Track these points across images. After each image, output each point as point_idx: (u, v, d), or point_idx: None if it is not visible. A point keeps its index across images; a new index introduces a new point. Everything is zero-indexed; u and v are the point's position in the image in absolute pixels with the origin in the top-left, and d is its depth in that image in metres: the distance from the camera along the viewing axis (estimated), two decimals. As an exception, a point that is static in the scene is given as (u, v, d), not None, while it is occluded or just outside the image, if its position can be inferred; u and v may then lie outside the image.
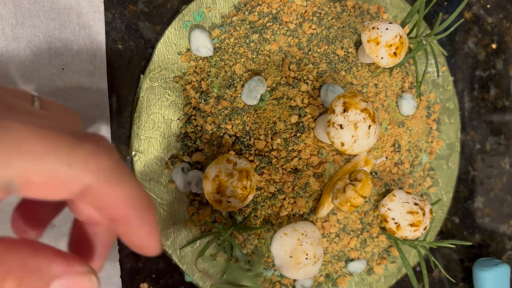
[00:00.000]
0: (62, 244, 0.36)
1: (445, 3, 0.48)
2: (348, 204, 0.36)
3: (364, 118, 0.33)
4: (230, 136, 0.38)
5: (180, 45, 0.39)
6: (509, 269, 0.47)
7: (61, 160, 0.19)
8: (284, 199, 0.39)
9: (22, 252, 0.19)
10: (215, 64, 0.39)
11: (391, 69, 0.42)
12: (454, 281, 0.49)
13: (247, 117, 0.38)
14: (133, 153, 0.38)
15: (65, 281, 0.21)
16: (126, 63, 0.38)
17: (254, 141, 0.38)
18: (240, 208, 0.38)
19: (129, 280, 0.38)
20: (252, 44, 0.39)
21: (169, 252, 0.39)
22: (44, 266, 0.20)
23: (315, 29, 0.40)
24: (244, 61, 0.39)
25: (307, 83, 0.40)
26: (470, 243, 0.38)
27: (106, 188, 0.21)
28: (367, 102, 0.34)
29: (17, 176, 0.19)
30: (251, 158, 0.38)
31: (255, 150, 0.38)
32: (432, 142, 0.46)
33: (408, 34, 0.40)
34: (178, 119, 0.39)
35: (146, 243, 0.23)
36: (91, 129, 0.37)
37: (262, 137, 0.38)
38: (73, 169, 0.20)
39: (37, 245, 0.21)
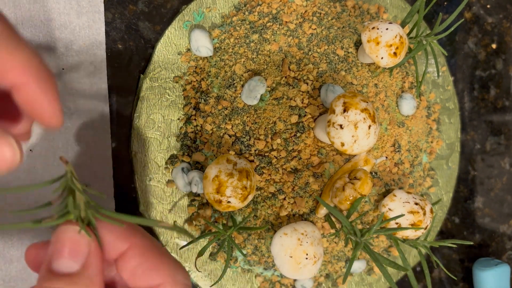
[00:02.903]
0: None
1: (445, 3, 0.48)
2: (348, 202, 0.36)
3: (364, 118, 0.33)
4: (230, 136, 0.38)
5: (180, 45, 0.39)
6: (509, 269, 0.47)
7: None
8: (284, 199, 0.39)
9: None
10: (215, 64, 0.39)
11: (391, 69, 0.42)
12: (455, 278, 0.49)
13: (247, 117, 0.38)
14: (133, 153, 0.38)
15: None
16: (126, 63, 0.38)
17: (254, 141, 0.38)
18: (240, 208, 0.38)
19: (129, 280, 0.38)
20: (252, 44, 0.39)
21: (169, 252, 0.39)
22: None
23: (315, 29, 0.40)
24: (244, 61, 0.39)
25: (307, 83, 0.40)
26: (471, 243, 0.38)
27: (3, 49, 0.20)
28: (367, 102, 0.34)
29: None
30: (251, 158, 0.38)
31: (255, 150, 0.38)
32: (432, 142, 0.46)
33: (408, 34, 0.40)
34: (178, 119, 0.39)
35: (47, 112, 0.22)
36: (91, 129, 0.37)
37: (262, 137, 0.38)
38: None
39: None
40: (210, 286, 0.40)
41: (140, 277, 0.23)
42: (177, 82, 0.39)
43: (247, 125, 0.38)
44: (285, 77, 0.39)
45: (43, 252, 0.23)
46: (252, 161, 0.38)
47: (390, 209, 0.39)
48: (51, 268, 0.21)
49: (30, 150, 0.35)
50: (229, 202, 0.34)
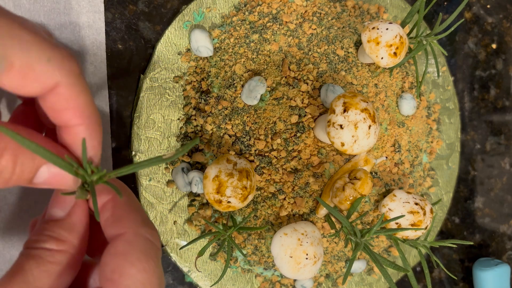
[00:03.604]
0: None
1: (445, 3, 0.48)
2: (348, 202, 0.36)
3: (364, 118, 0.33)
4: (230, 136, 0.38)
5: (180, 45, 0.39)
6: (509, 269, 0.47)
7: (43, 53, 0.21)
8: (284, 199, 0.39)
9: (19, 133, 0.20)
10: (215, 64, 0.39)
11: (391, 69, 0.42)
12: (456, 277, 0.49)
13: (247, 117, 0.38)
14: (133, 153, 0.38)
15: (53, 167, 0.23)
16: (126, 63, 0.38)
17: (254, 141, 0.38)
18: (240, 208, 0.38)
19: (129, 280, 0.38)
20: (252, 44, 0.39)
21: (169, 252, 0.39)
22: None
23: (315, 29, 0.40)
24: (244, 61, 0.39)
25: (307, 83, 0.40)
26: (471, 243, 0.38)
27: (72, 90, 0.22)
28: (367, 102, 0.34)
29: (3, 56, 0.20)
30: (251, 158, 0.38)
31: (255, 150, 0.38)
32: (432, 142, 0.46)
33: (408, 34, 0.40)
34: (178, 119, 0.39)
35: (89, 154, 0.25)
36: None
37: (262, 137, 0.38)
38: (51, 64, 0.21)
39: (32, 131, 0.23)
40: (210, 286, 0.40)
41: (110, 225, 0.25)
42: (177, 82, 0.39)
43: (247, 125, 0.38)
44: (285, 77, 0.39)
45: None
46: (252, 161, 0.38)
47: (390, 209, 0.39)
48: (44, 217, 0.25)
49: (30, 150, 0.35)
50: (229, 202, 0.34)
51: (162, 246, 0.39)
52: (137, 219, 0.25)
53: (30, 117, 0.29)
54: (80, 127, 0.24)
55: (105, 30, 0.37)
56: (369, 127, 0.34)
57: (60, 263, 0.24)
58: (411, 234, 0.39)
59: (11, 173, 0.22)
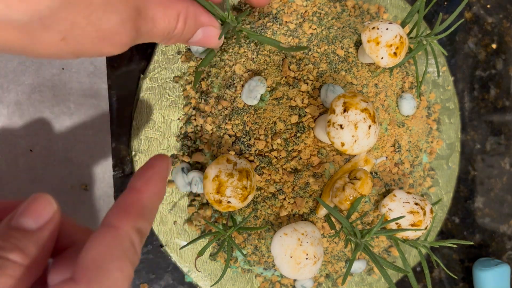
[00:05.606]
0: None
1: (445, 3, 0.48)
2: (348, 202, 0.36)
3: (364, 118, 0.33)
4: (230, 136, 0.38)
5: (180, 45, 0.39)
6: (509, 269, 0.47)
7: None
8: (284, 199, 0.39)
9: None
10: (215, 64, 0.39)
11: (391, 69, 0.42)
12: (456, 277, 0.49)
13: (247, 117, 0.38)
14: (133, 153, 0.38)
15: (207, 29, 0.31)
16: (126, 63, 0.38)
17: (254, 141, 0.38)
18: (240, 208, 0.38)
19: (129, 280, 0.38)
20: (252, 44, 0.39)
21: (169, 252, 0.39)
22: (198, 15, 0.30)
23: (315, 29, 0.40)
24: (244, 61, 0.39)
25: (307, 83, 0.39)
26: (472, 243, 0.38)
27: None
28: (367, 102, 0.34)
29: None
30: (251, 158, 0.38)
31: (255, 150, 0.38)
32: (432, 142, 0.46)
33: (408, 34, 0.40)
34: (178, 119, 0.39)
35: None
36: (92, 129, 0.37)
37: (262, 137, 0.38)
38: None
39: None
40: (210, 286, 0.40)
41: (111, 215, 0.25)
42: (177, 82, 0.39)
43: (247, 125, 0.38)
44: (285, 77, 0.39)
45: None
46: (252, 161, 0.38)
47: (390, 209, 0.39)
48: (10, 222, 0.23)
49: (30, 150, 0.35)
50: (229, 202, 0.34)
51: (162, 246, 0.39)
52: (139, 213, 0.24)
53: None
54: None
55: (105, 30, 0.37)
56: (369, 127, 0.34)
57: (20, 278, 0.22)
58: (411, 234, 0.39)
59: (181, 34, 0.29)
